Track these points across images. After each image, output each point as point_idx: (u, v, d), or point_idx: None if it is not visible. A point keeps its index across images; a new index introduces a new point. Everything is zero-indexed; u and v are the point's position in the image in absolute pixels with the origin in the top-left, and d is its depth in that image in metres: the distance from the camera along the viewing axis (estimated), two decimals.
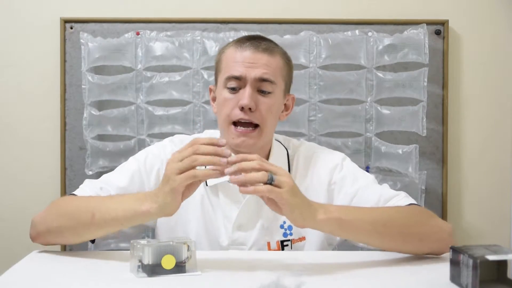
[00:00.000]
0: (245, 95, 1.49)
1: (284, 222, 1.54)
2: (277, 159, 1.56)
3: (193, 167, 1.24)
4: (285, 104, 1.61)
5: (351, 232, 1.33)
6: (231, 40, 2.34)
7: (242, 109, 1.49)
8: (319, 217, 1.27)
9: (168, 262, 1.21)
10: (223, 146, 1.25)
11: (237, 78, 1.50)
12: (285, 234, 1.53)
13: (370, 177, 1.59)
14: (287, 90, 1.61)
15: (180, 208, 1.51)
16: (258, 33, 2.35)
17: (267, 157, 1.57)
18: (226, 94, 1.52)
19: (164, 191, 1.26)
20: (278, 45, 1.60)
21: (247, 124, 1.50)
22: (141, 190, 1.50)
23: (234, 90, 1.51)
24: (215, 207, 1.54)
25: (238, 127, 1.50)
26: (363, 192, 1.52)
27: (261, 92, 1.51)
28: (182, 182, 1.24)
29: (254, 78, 1.50)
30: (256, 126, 1.51)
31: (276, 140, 1.62)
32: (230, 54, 1.54)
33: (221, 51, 1.59)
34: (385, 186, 1.56)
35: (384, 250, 1.40)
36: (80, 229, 1.36)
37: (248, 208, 1.52)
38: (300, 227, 1.28)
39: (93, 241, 1.49)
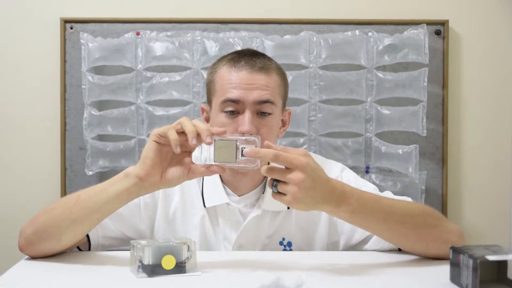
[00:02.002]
0: (245, 121, 1.41)
1: (283, 239, 1.52)
2: None
3: (177, 129, 1.22)
4: (282, 120, 1.54)
5: (361, 226, 1.33)
6: (231, 40, 2.36)
7: (242, 135, 1.40)
8: (341, 211, 1.25)
9: (168, 262, 1.21)
10: (208, 143, 1.21)
11: (234, 101, 1.42)
12: (284, 250, 1.52)
13: (372, 185, 1.57)
14: (284, 106, 1.53)
15: (180, 228, 1.51)
16: (257, 32, 2.37)
17: None
18: (224, 119, 1.43)
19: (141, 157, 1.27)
20: (272, 60, 1.52)
21: None
22: (137, 204, 1.49)
23: (232, 113, 1.43)
24: (215, 228, 1.52)
25: None
26: None
27: (261, 113, 1.44)
28: (156, 131, 1.23)
29: (253, 101, 1.42)
30: None
31: None
32: (224, 75, 1.45)
33: (213, 70, 1.50)
34: (389, 193, 1.54)
35: (394, 244, 1.39)
36: (66, 216, 1.30)
37: (248, 231, 1.50)
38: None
39: (81, 250, 1.46)
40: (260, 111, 1.44)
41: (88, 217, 1.32)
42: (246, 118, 1.41)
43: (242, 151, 1.21)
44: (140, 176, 1.26)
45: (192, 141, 1.20)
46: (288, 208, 1.51)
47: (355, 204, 1.26)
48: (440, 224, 1.37)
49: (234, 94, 1.42)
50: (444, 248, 1.27)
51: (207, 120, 1.54)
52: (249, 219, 1.50)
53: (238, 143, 1.22)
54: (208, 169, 1.25)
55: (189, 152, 1.27)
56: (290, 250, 1.52)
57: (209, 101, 1.51)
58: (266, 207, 1.50)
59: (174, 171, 1.26)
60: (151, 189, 1.29)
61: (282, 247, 1.52)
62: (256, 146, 1.22)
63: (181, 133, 1.22)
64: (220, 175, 1.52)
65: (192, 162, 1.27)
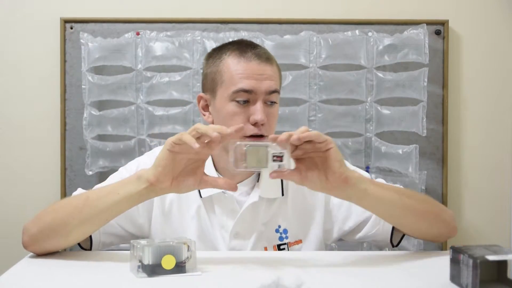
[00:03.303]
0: (259, 110, 1.45)
1: (279, 226, 1.54)
2: None
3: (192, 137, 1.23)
4: None
5: (378, 197, 1.35)
6: (231, 40, 2.35)
7: (255, 124, 1.45)
8: (354, 174, 1.31)
9: (168, 262, 1.21)
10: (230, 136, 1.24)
11: (246, 91, 1.45)
12: (281, 238, 1.54)
13: (366, 173, 1.62)
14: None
15: (176, 221, 1.53)
16: (257, 32, 2.37)
17: None
18: (234, 108, 1.47)
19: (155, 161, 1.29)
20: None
21: (257, 136, 1.47)
22: None
23: (244, 103, 1.46)
24: (212, 217, 1.53)
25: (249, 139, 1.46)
26: None
27: (268, 103, 1.48)
28: (171, 139, 1.25)
29: (264, 91, 1.46)
30: (263, 136, 1.48)
31: None
32: (233, 65, 1.48)
33: (216, 60, 1.52)
34: (381, 180, 1.59)
35: (399, 228, 1.44)
36: (76, 216, 1.32)
37: (244, 218, 1.52)
38: (341, 179, 1.27)
39: (84, 249, 1.46)
40: (269, 101, 1.48)
41: (98, 217, 1.34)
42: (259, 107, 1.45)
43: (272, 156, 1.24)
44: (150, 181, 1.28)
45: (213, 134, 1.21)
46: (283, 195, 1.54)
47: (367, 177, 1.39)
48: (437, 204, 1.49)
49: (247, 84, 1.45)
50: (443, 227, 1.35)
51: (204, 108, 1.56)
52: (245, 206, 1.52)
53: (269, 149, 1.24)
54: (220, 182, 1.30)
55: (202, 161, 1.29)
56: (286, 237, 1.54)
57: (212, 91, 1.52)
58: (262, 194, 1.52)
59: (186, 180, 1.29)
60: (161, 193, 1.32)
61: (278, 234, 1.54)
62: (284, 155, 1.24)
63: (197, 138, 1.23)
64: (214, 163, 1.54)
65: (204, 173, 1.30)
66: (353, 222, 1.54)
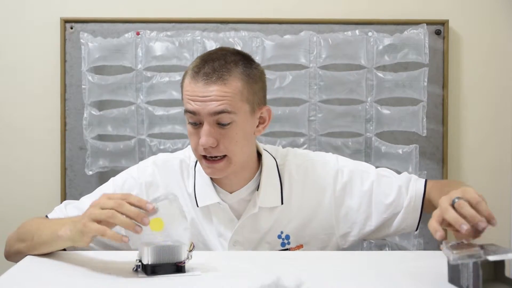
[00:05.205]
0: (202, 134, 1.41)
1: (282, 232, 1.53)
2: (269, 170, 1.53)
3: (109, 223, 1.20)
4: (261, 117, 1.50)
5: None
6: (231, 40, 2.36)
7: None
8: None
9: (156, 225, 1.21)
10: (150, 211, 1.20)
11: (192, 113, 1.42)
12: (283, 244, 1.53)
13: (369, 166, 1.62)
14: (257, 105, 1.47)
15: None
16: (257, 32, 2.37)
17: (257, 170, 1.54)
18: (190, 128, 1.45)
19: (77, 227, 1.25)
20: (236, 63, 1.44)
21: (208, 157, 1.45)
22: None
23: (195, 125, 1.43)
24: (209, 225, 1.52)
25: (206, 158, 1.45)
26: (378, 186, 1.56)
27: (221, 124, 1.42)
28: (91, 232, 1.22)
29: (208, 113, 1.40)
30: (223, 155, 1.45)
31: (265, 150, 1.57)
32: (186, 85, 1.44)
33: (183, 75, 1.48)
34: (390, 172, 1.61)
35: None
36: (26, 249, 1.40)
37: (243, 228, 1.51)
38: None
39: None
40: (219, 122, 1.42)
41: (44, 251, 1.38)
42: (203, 131, 1.42)
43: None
44: (68, 244, 1.31)
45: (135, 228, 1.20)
46: (282, 203, 1.52)
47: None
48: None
49: (192, 106, 1.42)
50: None
51: None
52: (245, 217, 1.51)
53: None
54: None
55: None
56: (288, 243, 1.53)
57: None
58: (262, 204, 1.51)
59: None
60: None
61: (281, 240, 1.53)
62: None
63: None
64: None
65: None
66: (375, 222, 1.54)
